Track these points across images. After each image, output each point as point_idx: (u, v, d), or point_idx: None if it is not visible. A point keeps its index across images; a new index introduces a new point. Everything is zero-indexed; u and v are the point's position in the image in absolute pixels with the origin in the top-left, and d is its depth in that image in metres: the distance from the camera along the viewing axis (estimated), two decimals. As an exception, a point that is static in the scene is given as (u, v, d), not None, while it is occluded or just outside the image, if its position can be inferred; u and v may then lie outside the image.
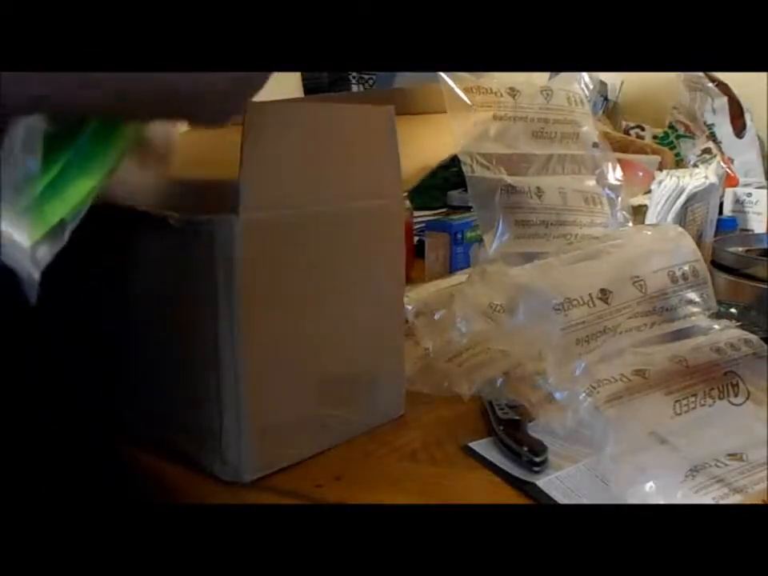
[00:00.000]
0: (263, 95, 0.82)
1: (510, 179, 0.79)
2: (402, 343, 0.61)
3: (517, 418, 0.56)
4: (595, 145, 0.86)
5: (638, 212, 1.03)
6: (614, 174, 0.86)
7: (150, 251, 0.53)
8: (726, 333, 0.61)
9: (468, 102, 0.77)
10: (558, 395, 0.56)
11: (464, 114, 0.77)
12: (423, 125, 0.75)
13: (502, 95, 0.81)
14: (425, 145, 0.73)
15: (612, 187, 0.86)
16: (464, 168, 0.77)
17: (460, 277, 0.83)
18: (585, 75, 0.88)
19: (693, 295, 0.66)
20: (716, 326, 0.63)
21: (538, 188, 0.80)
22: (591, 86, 0.88)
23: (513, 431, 0.55)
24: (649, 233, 0.75)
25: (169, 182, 0.57)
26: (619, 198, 0.86)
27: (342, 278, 0.55)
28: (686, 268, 0.67)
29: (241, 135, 0.46)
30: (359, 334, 0.57)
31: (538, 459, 0.51)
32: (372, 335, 0.58)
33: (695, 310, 0.66)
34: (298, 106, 0.59)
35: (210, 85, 0.39)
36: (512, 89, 0.82)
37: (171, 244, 0.51)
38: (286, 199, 0.50)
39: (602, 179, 0.86)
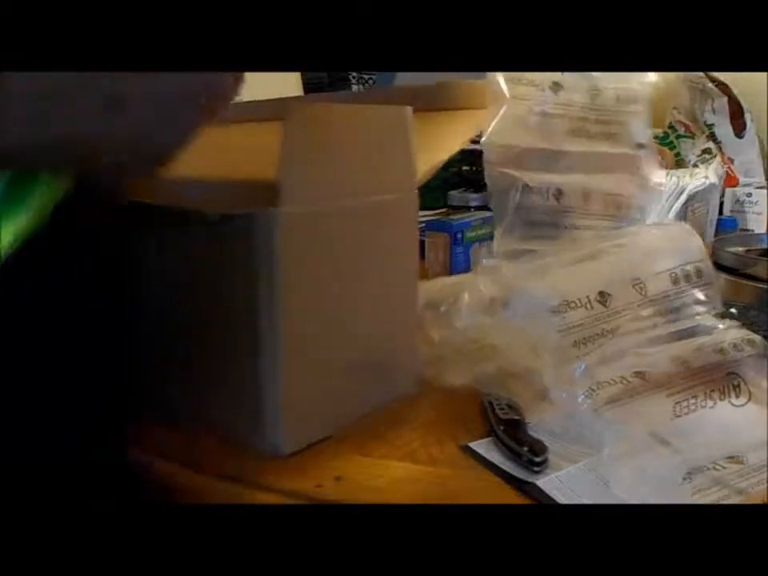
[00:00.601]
0: (264, 94, 0.82)
1: (527, 178, 0.78)
2: (416, 326, 0.66)
3: (517, 417, 0.56)
4: (641, 145, 0.84)
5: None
6: (654, 177, 0.84)
7: (191, 245, 0.57)
8: (730, 333, 0.61)
9: (506, 93, 0.76)
10: (555, 395, 0.56)
11: (498, 105, 0.76)
12: (435, 121, 0.77)
13: (544, 89, 0.79)
14: (436, 141, 0.75)
15: (647, 189, 0.84)
16: (485, 163, 0.76)
17: (462, 276, 0.82)
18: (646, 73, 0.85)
19: (698, 295, 0.66)
20: (720, 326, 0.63)
21: (558, 189, 0.79)
22: (646, 82, 0.85)
23: (513, 431, 0.55)
24: (654, 231, 0.75)
25: (198, 181, 0.59)
26: (652, 206, 0.84)
27: (366, 266, 0.59)
28: (689, 268, 0.67)
29: (281, 134, 0.50)
30: (380, 317, 0.61)
31: (537, 459, 0.51)
32: (391, 318, 0.62)
33: (700, 309, 0.65)
34: (330, 106, 0.63)
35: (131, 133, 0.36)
36: (556, 83, 0.80)
37: (211, 238, 0.55)
38: (319, 194, 0.54)
39: (639, 181, 0.84)
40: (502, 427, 0.55)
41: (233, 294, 0.54)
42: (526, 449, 0.52)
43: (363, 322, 0.60)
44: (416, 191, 0.64)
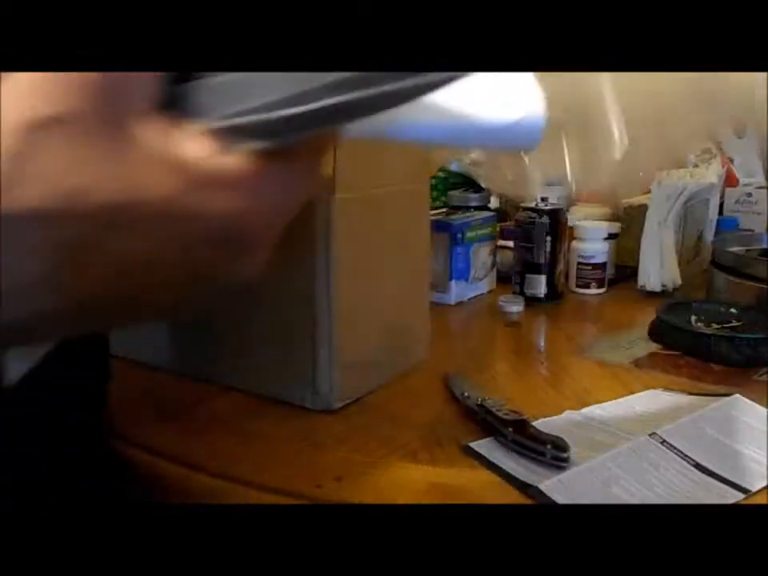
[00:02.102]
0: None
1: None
2: (428, 301, 0.77)
3: (522, 417, 0.56)
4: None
5: (638, 212, 1.04)
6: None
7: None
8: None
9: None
10: None
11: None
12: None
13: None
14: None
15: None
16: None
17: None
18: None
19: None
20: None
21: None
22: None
23: (525, 430, 0.55)
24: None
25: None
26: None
27: (396, 244, 0.70)
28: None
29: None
30: (404, 288, 0.71)
31: (564, 455, 0.52)
32: (411, 290, 0.73)
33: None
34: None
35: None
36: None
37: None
38: (362, 184, 0.64)
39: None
40: (510, 428, 0.55)
41: (293, 266, 0.63)
42: (549, 446, 0.52)
43: (393, 292, 0.69)
44: (429, 182, 0.77)
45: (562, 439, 0.53)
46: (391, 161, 0.68)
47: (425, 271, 0.77)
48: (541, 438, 0.53)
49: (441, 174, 1.36)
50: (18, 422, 0.43)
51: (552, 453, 0.52)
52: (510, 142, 0.42)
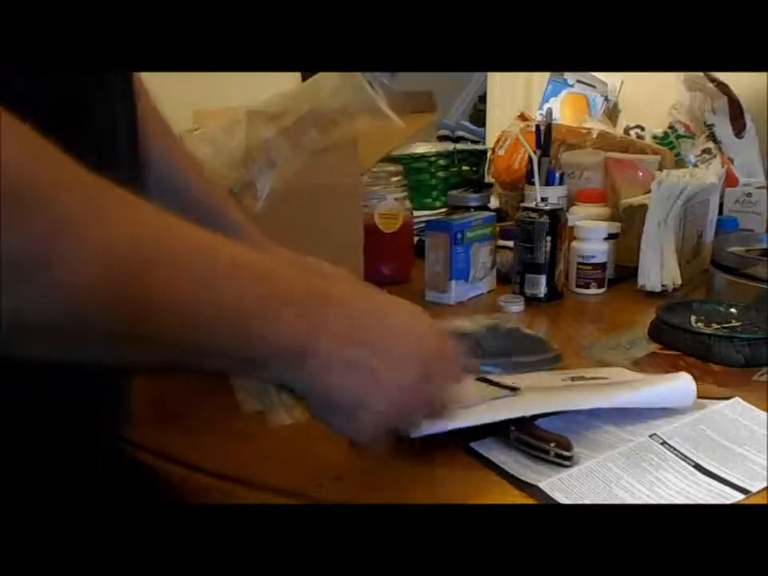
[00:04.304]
0: (264, 94, 0.83)
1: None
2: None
3: (526, 416, 0.56)
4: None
5: (638, 212, 1.03)
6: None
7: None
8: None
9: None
10: None
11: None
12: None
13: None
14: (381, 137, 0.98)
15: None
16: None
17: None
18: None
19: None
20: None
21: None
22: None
23: (528, 430, 0.55)
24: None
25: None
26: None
27: (327, 238, 0.78)
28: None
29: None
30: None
31: (567, 453, 0.52)
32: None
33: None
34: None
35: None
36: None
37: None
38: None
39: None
40: (513, 428, 0.55)
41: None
42: (553, 444, 0.52)
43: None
44: (360, 177, 0.90)
45: (565, 438, 0.53)
46: (321, 157, 0.77)
47: (358, 266, 0.85)
48: (544, 437, 0.53)
49: (441, 174, 1.36)
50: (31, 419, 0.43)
51: (556, 452, 0.52)
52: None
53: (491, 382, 0.62)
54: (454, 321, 0.64)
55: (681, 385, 0.60)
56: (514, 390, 0.60)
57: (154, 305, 0.35)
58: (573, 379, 0.66)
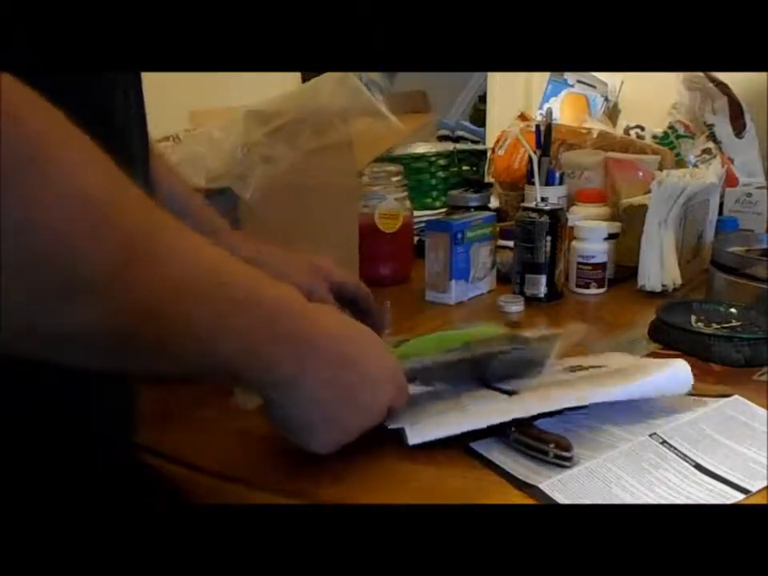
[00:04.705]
0: (264, 94, 0.83)
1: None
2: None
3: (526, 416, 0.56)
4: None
5: (638, 212, 1.03)
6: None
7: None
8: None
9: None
10: None
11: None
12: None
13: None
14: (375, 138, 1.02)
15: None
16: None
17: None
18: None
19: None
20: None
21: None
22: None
23: (528, 430, 0.55)
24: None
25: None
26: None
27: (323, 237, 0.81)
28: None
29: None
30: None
31: (567, 454, 0.52)
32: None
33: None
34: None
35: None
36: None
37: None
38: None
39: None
40: (512, 428, 0.55)
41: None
42: (552, 445, 0.52)
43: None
44: (356, 177, 0.94)
45: (565, 438, 0.53)
46: (316, 157, 0.78)
47: (353, 266, 0.87)
48: (544, 438, 0.53)
49: (441, 174, 1.36)
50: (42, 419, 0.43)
51: (555, 452, 0.52)
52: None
53: (489, 387, 0.62)
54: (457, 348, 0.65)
55: (677, 371, 0.60)
56: (510, 393, 0.60)
57: (179, 326, 0.38)
58: (572, 369, 0.66)
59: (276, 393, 0.47)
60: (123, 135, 0.48)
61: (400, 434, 0.54)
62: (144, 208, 0.35)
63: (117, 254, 0.33)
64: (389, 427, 0.54)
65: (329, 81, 0.82)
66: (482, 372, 0.63)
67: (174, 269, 0.37)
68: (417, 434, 0.54)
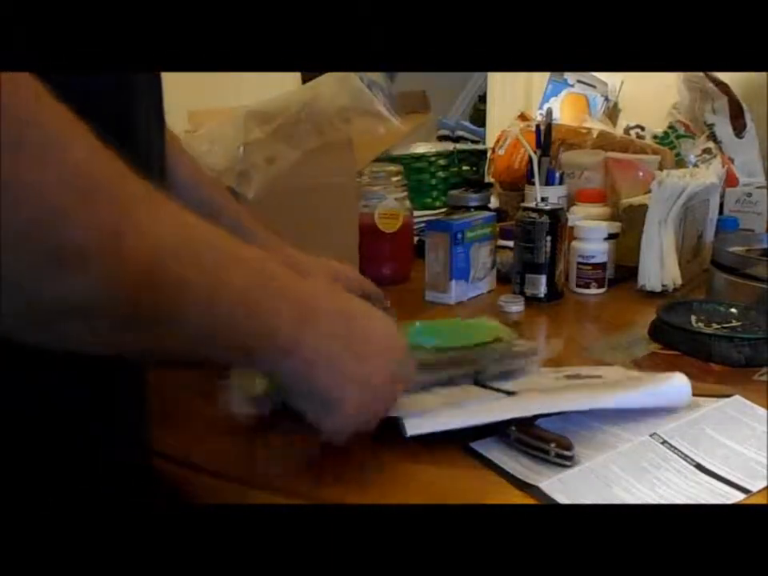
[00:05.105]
0: (264, 94, 0.83)
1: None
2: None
3: (526, 416, 0.56)
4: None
5: (638, 212, 1.03)
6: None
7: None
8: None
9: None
10: None
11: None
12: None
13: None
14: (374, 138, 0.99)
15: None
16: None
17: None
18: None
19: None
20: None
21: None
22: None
23: (529, 429, 0.55)
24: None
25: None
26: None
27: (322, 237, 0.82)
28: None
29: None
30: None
31: (568, 453, 0.52)
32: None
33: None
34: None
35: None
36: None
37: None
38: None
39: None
40: (513, 427, 0.55)
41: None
42: (553, 445, 0.52)
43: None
44: (355, 176, 0.94)
45: (566, 438, 0.53)
46: (316, 156, 0.79)
47: (353, 265, 0.87)
48: (545, 437, 0.53)
49: (441, 174, 1.36)
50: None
51: (556, 452, 0.52)
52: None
53: (487, 387, 0.62)
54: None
55: (675, 385, 0.60)
56: (509, 393, 0.60)
57: (175, 292, 0.38)
58: (568, 377, 0.66)
59: (284, 365, 0.45)
60: (143, 136, 0.48)
61: (399, 427, 0.54)
62: (129, 181, 0.36)
63: (106, 223, 0.33)
64: (388, 414, 0.52)
65: (330, 81, 0.82)
66: (476, 369, 0.63)
67: (165, 238, 0.37)
68: (415, 426, 0.53)
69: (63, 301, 0.33)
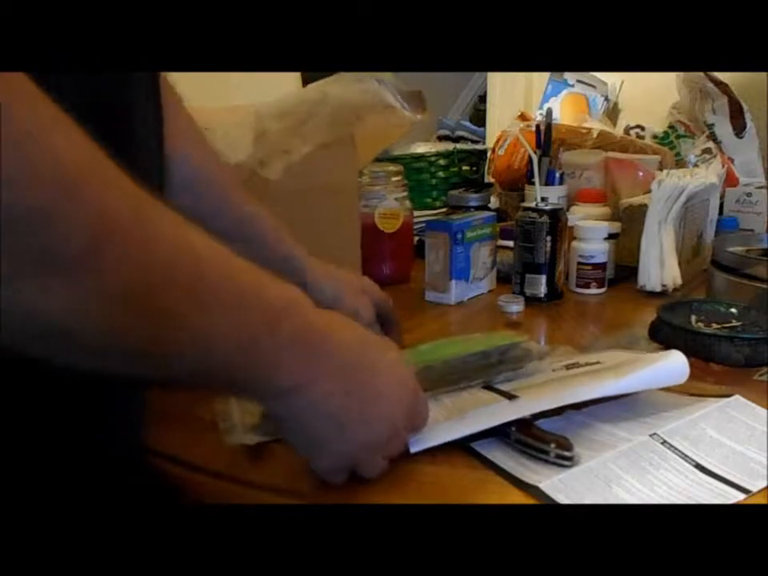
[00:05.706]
0: (264, 94, 0.84)
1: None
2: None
3: (525, 417, 0.56)
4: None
5: (638, 212, 1.04)
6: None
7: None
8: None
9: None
10: None
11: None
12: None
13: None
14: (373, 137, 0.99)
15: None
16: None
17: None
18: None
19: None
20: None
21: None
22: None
23: (529, 430, 0.55)
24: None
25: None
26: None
27: (324, 236, 0.80)
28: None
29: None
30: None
31: (568, 454, 0.52)
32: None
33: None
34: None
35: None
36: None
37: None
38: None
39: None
40: (513, 428, 0.55)
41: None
42: (553, 445, 0.52)
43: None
44: (356, 175, 0.94)
45: (565, 438, 0.53)
46: (318, 154, 0.79)
47: (355, 265, 0.89)
48: (545, 438, 0.53)
49: (441, 174, 1.36)
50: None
51: (556, 452, 0.52)
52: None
53: (493, 389, 0.62)
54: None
55: (673, 362, 0.60)
56: (511, 397, 0.60)
57: (169, 320, 0.35)
58: (567, 367, 0.66)
59: (280, 405, 0.43)
60: (141, 137, 0.47)
61: None
62: (120, 184, 0.33)
63: (88, 227, 0.30)
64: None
65: (341, 79, 0.82)
66: (487, 370, 0.64)
67: (157, 253, 0.34)
68: (417, 443, 0.53)
69: (44, 312, 0.31)
